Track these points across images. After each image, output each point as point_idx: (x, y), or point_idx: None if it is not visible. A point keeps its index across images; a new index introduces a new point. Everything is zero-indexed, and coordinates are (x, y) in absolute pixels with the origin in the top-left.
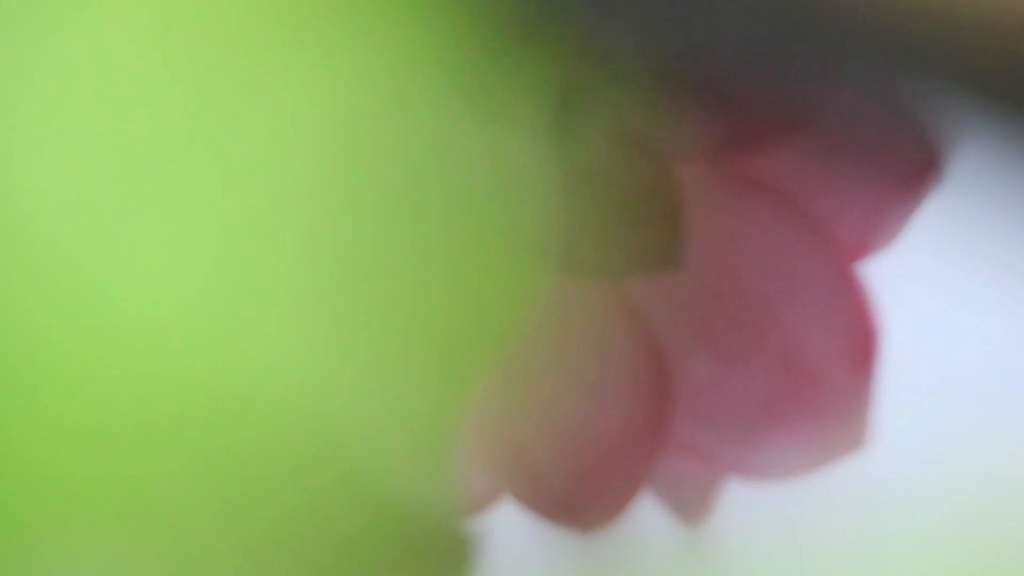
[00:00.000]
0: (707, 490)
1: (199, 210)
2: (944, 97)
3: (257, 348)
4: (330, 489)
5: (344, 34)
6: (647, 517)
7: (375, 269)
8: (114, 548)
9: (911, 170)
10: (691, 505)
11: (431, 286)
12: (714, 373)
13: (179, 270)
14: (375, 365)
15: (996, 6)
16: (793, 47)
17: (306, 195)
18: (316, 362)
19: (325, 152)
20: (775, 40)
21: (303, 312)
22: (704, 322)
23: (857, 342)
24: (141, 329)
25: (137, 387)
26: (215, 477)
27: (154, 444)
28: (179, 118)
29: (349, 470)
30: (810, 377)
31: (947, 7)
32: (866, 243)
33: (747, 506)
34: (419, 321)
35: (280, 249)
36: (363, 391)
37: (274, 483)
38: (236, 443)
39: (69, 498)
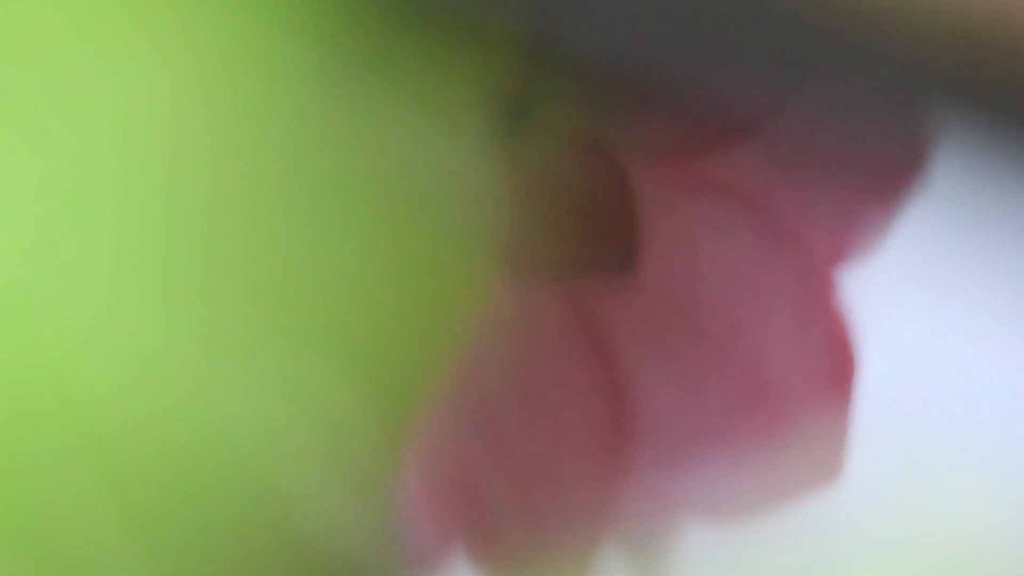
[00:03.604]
0: (662, 527)
1: (100, 210)
2: (926, 94)
3: (162, 368)
4: (247, 532)
5: (260, 24)
6: (601, 565)
7: (299, 278)
8: None
9: (890, 172)
10: (646, 545)
11: (364, 296)
12: (670, 391)
13: (73, 277)
14: (298, 387)
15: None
16: (757, 39)
17: (221, 197)
18: (230, 381)
19: (243, 153)
20: (737, 33)
21: (214, 325)
22: (660, 334)
23: (829, 361)
24: (46, 359)
25: (44, 416)
26: (125, 509)
27: (60, 477)
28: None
29: (269, 512)
30: (774, 399)
31: (924, 4)
32: (840, 251)
33: (707, 549)
34: (350, 337)
35: (192, 257)
36: (284, 414)
37: (184, 524)
38: (144, 473)
39: None
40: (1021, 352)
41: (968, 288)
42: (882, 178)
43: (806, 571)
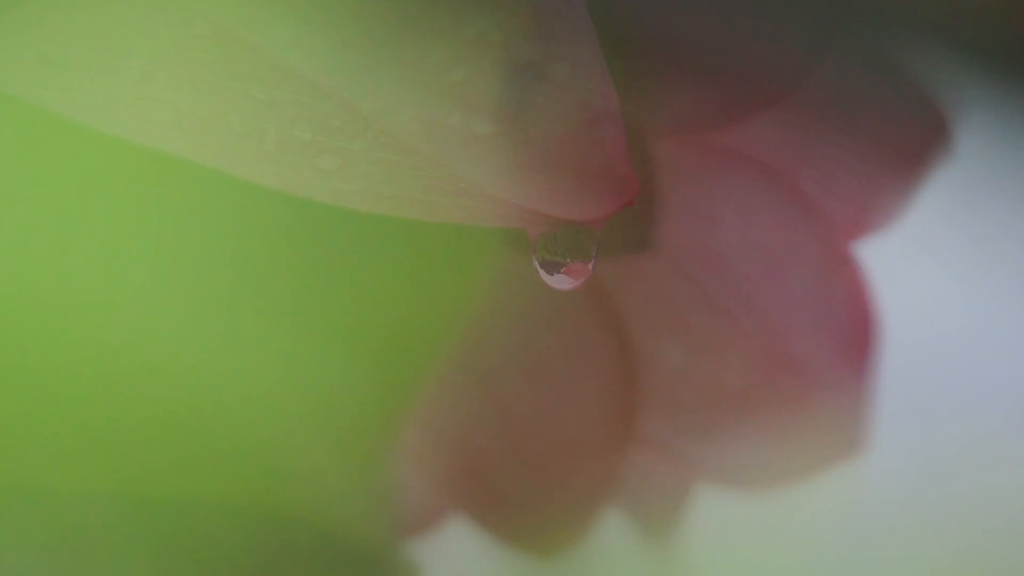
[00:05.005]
0: (677, 498)
1: (101, 196)
2: (950, 61)
3: (167, 341)
4: (245, 501)
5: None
6: (612, 534)
7: (300, 252)
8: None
9: (913, 141)
10: (659, 516)
11: (367, 269)
12: (686, 365)
13: (84, 264)
14: (298, 358)
15: None
16: (779, 8)
17: (227, 179)
18: (229, 353)
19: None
20: (759, 2)
21: (219, 303)
22: (676, 309)
23: (849, 333)
24: (49, 327)
25: (48, 389)
26: (121, 481)
27: (60, 450)
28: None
29: (267, 480)
30: (793, 368)
31: None
32: (861, 222)
33: (722, 518)
34: (352, 309)
35: (198, 233)
36: (283, 387)
37: (182, 496)
38: (146, 447)
39: None
40: None
41: (991, 257)
42: (905, 148)
43: (828, 540)
